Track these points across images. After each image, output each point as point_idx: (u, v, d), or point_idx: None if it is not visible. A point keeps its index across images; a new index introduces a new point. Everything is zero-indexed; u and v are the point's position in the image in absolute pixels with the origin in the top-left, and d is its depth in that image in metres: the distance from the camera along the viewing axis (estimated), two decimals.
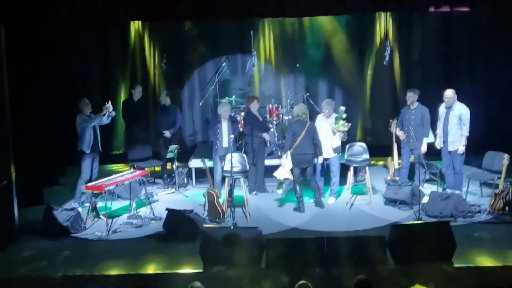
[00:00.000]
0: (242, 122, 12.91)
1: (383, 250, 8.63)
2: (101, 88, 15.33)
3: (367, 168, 11.52)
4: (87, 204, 11.23)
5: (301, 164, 11.13)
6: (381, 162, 13.82)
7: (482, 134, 13.97)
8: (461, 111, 11.24)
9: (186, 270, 8.64)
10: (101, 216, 10.85)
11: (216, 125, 11.78)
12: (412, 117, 11.65)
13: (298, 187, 11.17)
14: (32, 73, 11.89)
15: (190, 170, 13.12)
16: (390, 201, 11.31)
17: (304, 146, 11.05)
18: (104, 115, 11.54)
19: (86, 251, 9.65)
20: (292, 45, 15.47)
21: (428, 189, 11.58)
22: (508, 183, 10.59)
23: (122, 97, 15.09)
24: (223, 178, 11.41)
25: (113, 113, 11.74)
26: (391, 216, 10.71)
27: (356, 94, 15.45)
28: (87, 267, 8.86)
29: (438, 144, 11.58)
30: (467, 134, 11.22)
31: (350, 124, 11.50)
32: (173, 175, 12.82)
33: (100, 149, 11.78)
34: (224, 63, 14.41)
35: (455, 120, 11.21)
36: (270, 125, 13.16)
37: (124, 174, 11.30)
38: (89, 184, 10.78)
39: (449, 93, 11.30)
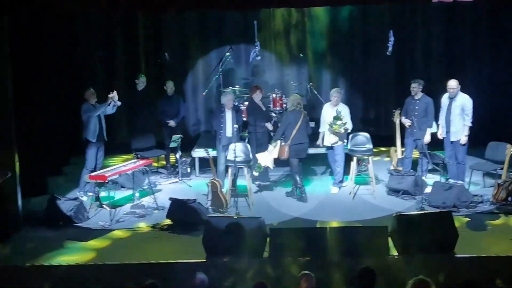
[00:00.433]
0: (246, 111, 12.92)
1: (386, 240, 8.64)
2: (105, 78, 15.34)
3: (370, 158, 11.52)
4: (91, 194, 11.27)
5: (299, 154, 11.27)
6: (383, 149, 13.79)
7: (485, 124, 13.94)
8: (464, 101, 11.23)
9: (189, 259, 8.64)
10: (104, 206, 10.87)
11: (220, 114, 11.77)
12: (416, 107, 11.64)
13: (298, 178, 11.26)
14: (36, 64, 11.90)
15: (193, 159, 13.13)
16: (393, 191, 11.32)
17: (301, 136, 11.24)
18: (109, 104, 11.55)
19: (89, 240, 9.68)
20: (295, 35, 15.44)
21: (431, 179, 11.58)
22: (511, 174, 10.58)
23: (126, 87, 15.06)
24: (227, 167, 11.42)
25: (118, 103, 11.74)
26: (394, 206, 10.72)
27: (360, 84, 15.43)
28: (89, 257, 8.91)
29: (441, 135, 11.57)
30: (469, 124, 11.21)
31: (347, 128, 11.51)
32: (177, 164, 12.83)
33: (106, 138, 11.80)
34: (228, 53, 14.37)
35: (458, 111, 11.20)
36: (273, 114, 13.14)
37: (127, 163, 11.31)
38: (93, 174, 10.80)
39: (453, 83, 11.28)
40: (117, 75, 15.46)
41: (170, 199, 10.38)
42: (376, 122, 15.42)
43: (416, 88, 11.63)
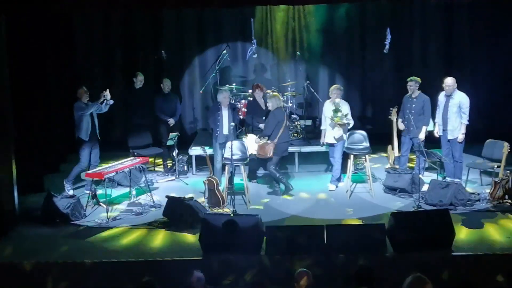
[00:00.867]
0: (243, 109, 12.91)
1: (383, 238, 8.65)
2: (103, 76, 15.34)
3: (367, 156, 11.52)
4: (87, 192, 11.26)
5: (284, 152, 11.43)
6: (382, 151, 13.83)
7: (482, 122, 13.97)
8: (461, 99, 11.23)
9: (186, 257, 8.64)
10: (101, 204, 10.86)
11: (216, 112, 11.76)
12: (413, 105, 11.64)
13: (278, 173, 11.39)
14: (33, 62, 11.89)
15: (190, 157, 13.12)
16: (390, 189, 11.32)
17: (287, 135, 11.43)
18: (101, 103, 11.54)
19: (86, 238, 9.67)
20: (292, 33, 15.43)
21: (428, 177, 11.58)
22: (508, 172, 10.59)
23: (124, 85, 15.05)
24: (223, 165, 11.42)
25: (111, 101, 11.72)
26: (391, 204, 10.73)
27: (357, 83, 15.43)
28: (85, 254, 8.90)
29: (437, 133, 11.58)
30: (466, 122, 11.21)
31: (349, 120, 11.50)
32: (173, 162, 12.83)
33: (99, 137, 11.78)
34: (224, 51, 14.38)
35: (455, 109, 11.20)
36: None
37: (124, 161, 11.30)
38: (90, 172, 10.79)
39: (449, 81, 11.29)
40: (115, 73, 15.46)
41: (167, 197, 10.37)
42: (373, 120, 15.42)
43: (413, 86, 11.63)
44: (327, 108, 11.75)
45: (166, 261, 8.57)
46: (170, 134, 12.62)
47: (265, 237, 8.72)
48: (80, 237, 9.69)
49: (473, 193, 10.74)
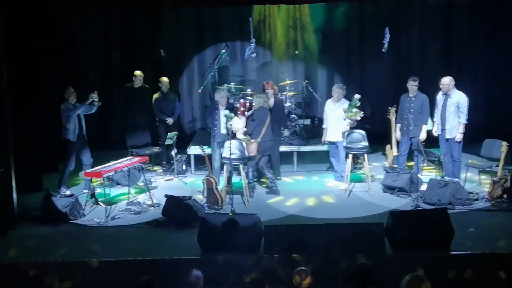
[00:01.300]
0: (242, 109, 12.90)
1: (381, 237, 8.65)
2: (101, 75, 15.35)
3: (365, 155, 11.52)
4: (86, 191, 11.25)
5: (267, 151, 11.44)
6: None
7: (481, 122, 13.98)
8: (459, 99, 11.23)
9: (184, 256, 8.64)
10: (100, 203, 10.87)
11: (214, 111, 11.76)
12: (412, 104, 11.65)
13: (252, 173, 11.41)
14: (32, 61, 11.88)
15: (189, 157, 13.12)
16: (389, 189, 11.33)
17: (269, 134, 11.42)
18: (89, 104, 11.54)
19: (85, 237, 9.68)
20: (291, 32, 15.43)
21: (426, 176, 11.59)
22: (506, 171, 10.60)
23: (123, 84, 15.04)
24: (222, 165, 11.42)
25: (99, 103, 11.72)
26: (389, 203, 10.74)
27: (355, 82, 15.42)
28: (84, 253, 8.90)
29: (436, 132, 11.58)
30: (464, 121, 11.21)
31: (363, 114, 11.52)
32: (172, 161, 12.83)
33: (86, 137, 11.78)
34: (223, 50, 14.38)
35: (453, 108, 11.21)
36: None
37: (123, 160, 11.30)
38: (88, 171, 10.80)
39: (445, 80, 11.30)
40: (113, 72, 15.46)
41: (166, 196, 10.37)
42: (372, 119, 15.42)
43: (415, 86, 11.63)
44: (330, 108, 11.76)
45: (165, 260, 8.56)
46: (169, 133, 12.63)
47: (263, 236, 8.72)
48: (79, 236, 9.70)
49: (471, 192, 10.73)
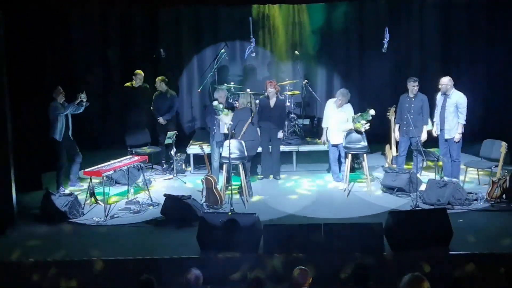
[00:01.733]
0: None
1: (380, 237, 8.66)
2: (101, 75, 15.36)
3: (365, 155, 11.52)
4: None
5: (250, 151, 11.35)
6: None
7: (480, 122, 13.99)
8: (458, 99, 11.23)
9: (184, 255, 8.65)
10: (99, 202, 10.87)
11: (213, 111, 11.75)
12: (412, 105, 11.65)
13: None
14: (31, 59, 11.87)
15: (188, 156, 13.12)
16: (388, 189, 11.33)
17: (251, 133, 11.39)
18: (77, 104, 11.55)
19: (84, 236, 9.68)
20: (291, 32, 15.43)
21: (425, 176, 11.59)
22: (506, 171, 10.61)
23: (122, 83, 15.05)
24: (221, 164, 11.42)
25: (87, 103, 11.73)
26: (388, 203, 10.74)
27: (355, 82, 15.42)
28: (84, 252, 8.90)
29: (435, 132, 11.59)
30: (463, 122, 11.21)
31: (368, 126, 11.48)
32: (171, 161, 12.83)
33: (71, 137, 11.78)
34: (223, 50, 14.38)
35: (452, 108, 11.21)
36: None
37: (122, 159, 11.30)
38: (88, 170, 10.80)
39: (444, 80, 11.30)
40: (112, 71, 15.46)
41: (165, 195, 10.38)
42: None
43: (416, 86, 11.63)
44: (331, 109, 11.75)
45: (164, 259, 8.58)
46: (168, 132, 12.63)
47: (262, 236, 8.73)
48: (78, 235, 9.71)
49: (470, 193, 10.72)
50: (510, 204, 10.37)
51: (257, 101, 12.59)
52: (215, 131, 11.75)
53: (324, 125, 12.00)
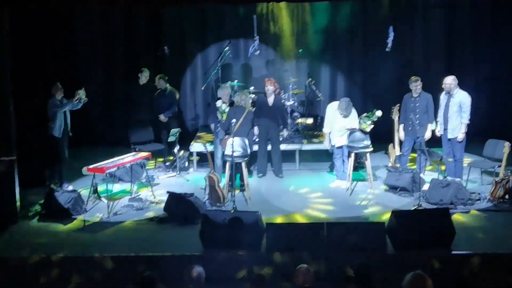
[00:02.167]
0: None
1: (383, 236, 8.66)
2: (105, 73, 15.38)
3: (368, 154, 11.51)
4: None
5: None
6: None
7: (484, 122, 13.97)
8: (462, 98, 11.21)
9: (186, 252, 8.65)
10: (102, 198, 10.88)
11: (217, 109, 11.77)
12: (417, 104, 11.63)
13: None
14: (34, 57, 11.90)
15: (191, 154, 13.13)
16: (391, 188, 11.32)
17: (243, 133, 11.34)
18: (76, 100, 11.57)
19: (87, 232, 9.69)
20: (295, 30, 15.43)
21: (428, 176, 11.58)
22: (509, 171, 10.59)
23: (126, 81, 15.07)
24: (224, 162, 11.43)
25: (86, 99, 11.74)
26: (391, 202, 10.72)
27: (358, 80, 15.43)
28: (86, 249, 8.92)
29: (439, 132, 11.57)
30: (467, 121, 11.19)
31: (373, 126, 11.48)
32: (175, 158, 12.84)
33: (70, 133, 11.80)
34: (227, 47, 14.38)
35: (456, 108, 11.19)
36: None
37: (125, 156, 11.30)
38: (91, 166, 10.81)
39: (448, 79, 11.28)
40: (116, 69, 15.48)
41: (168, 192, 10.39)
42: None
43: (420, 85, 11.62)
44: (333, 114, 11.70)
45: (167, 257, 8.59)
46: (172, 130, 12.64)
47: (265, 234, 8.73)
48: (81, 232, 9.72)
49: (473, 193, 10.71)
50: None
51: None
52: (218, 129, 11.75)
53: (326, 130, 11.93)
